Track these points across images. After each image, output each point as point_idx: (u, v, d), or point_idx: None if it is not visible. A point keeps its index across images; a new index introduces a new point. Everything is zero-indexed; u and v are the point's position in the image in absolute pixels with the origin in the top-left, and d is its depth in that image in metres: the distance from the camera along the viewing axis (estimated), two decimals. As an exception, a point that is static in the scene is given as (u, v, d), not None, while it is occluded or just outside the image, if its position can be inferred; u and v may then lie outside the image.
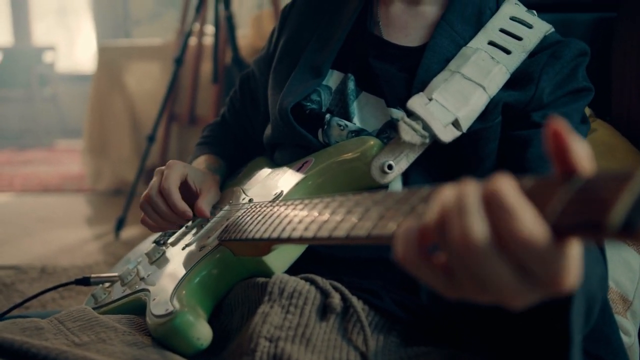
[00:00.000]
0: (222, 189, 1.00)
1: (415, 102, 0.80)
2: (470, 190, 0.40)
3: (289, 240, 0.59)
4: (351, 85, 0.89)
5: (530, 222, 0.37)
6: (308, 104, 0.90)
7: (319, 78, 0.90)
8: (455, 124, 0.80)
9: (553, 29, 0.89)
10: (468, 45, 0.85)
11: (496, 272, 0.38)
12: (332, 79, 0.91)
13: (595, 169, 0.38)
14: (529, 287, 0.39)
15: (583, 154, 0.38)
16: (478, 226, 0.38)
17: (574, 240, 0.37)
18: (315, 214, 0.57)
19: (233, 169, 1.09)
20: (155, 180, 0.89)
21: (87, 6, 6.34)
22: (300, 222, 0.58)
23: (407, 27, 0.91)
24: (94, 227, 2.82)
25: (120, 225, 2.58)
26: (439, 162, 0.82)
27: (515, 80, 0.83)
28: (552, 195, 0.37)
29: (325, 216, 0.55)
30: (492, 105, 0.81)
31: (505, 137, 0.83)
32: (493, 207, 0.38)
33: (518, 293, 0.39)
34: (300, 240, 0.57)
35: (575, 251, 0.38)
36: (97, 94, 3.32)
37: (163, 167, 0.90)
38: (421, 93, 0.81)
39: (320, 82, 0.91)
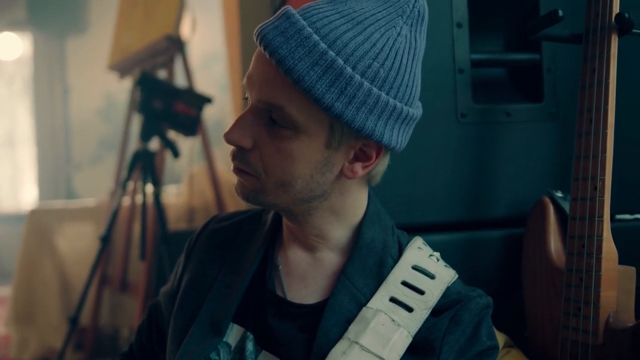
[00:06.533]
0: None
1: None
2: None
3: None
4: (250, 346, 0.85)
5: None
6: None
7: (218, 337, 0.86)
8: None
9: (457, 276, 0.87)
10: (368, 305, 0.82)
11: None
12: (232, 334, 0.87)
13: None
14: None
15: None
16: None
17: None
18: None
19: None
20: None
21: (30, 143, 6.28)
22: None
23: (307, 278, 0.88)
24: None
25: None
26: None
27: (417, 347, 0.80)
28: None
29: None
30: None
31: None
32: None
33: None
34: None
35: None
36: (25, 260, 3.18)
37: None
38: None
39: (219, 340, 0.86)
